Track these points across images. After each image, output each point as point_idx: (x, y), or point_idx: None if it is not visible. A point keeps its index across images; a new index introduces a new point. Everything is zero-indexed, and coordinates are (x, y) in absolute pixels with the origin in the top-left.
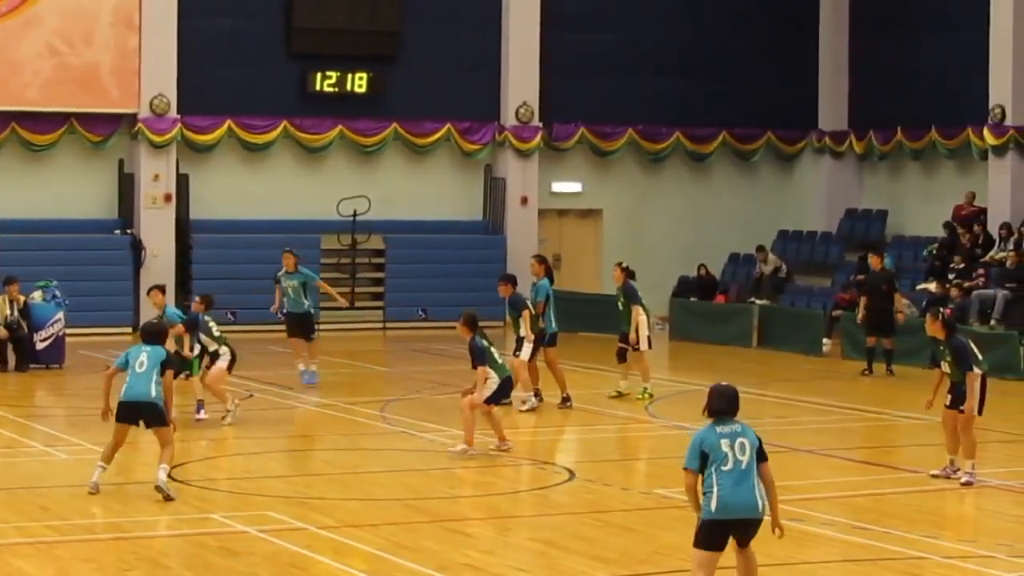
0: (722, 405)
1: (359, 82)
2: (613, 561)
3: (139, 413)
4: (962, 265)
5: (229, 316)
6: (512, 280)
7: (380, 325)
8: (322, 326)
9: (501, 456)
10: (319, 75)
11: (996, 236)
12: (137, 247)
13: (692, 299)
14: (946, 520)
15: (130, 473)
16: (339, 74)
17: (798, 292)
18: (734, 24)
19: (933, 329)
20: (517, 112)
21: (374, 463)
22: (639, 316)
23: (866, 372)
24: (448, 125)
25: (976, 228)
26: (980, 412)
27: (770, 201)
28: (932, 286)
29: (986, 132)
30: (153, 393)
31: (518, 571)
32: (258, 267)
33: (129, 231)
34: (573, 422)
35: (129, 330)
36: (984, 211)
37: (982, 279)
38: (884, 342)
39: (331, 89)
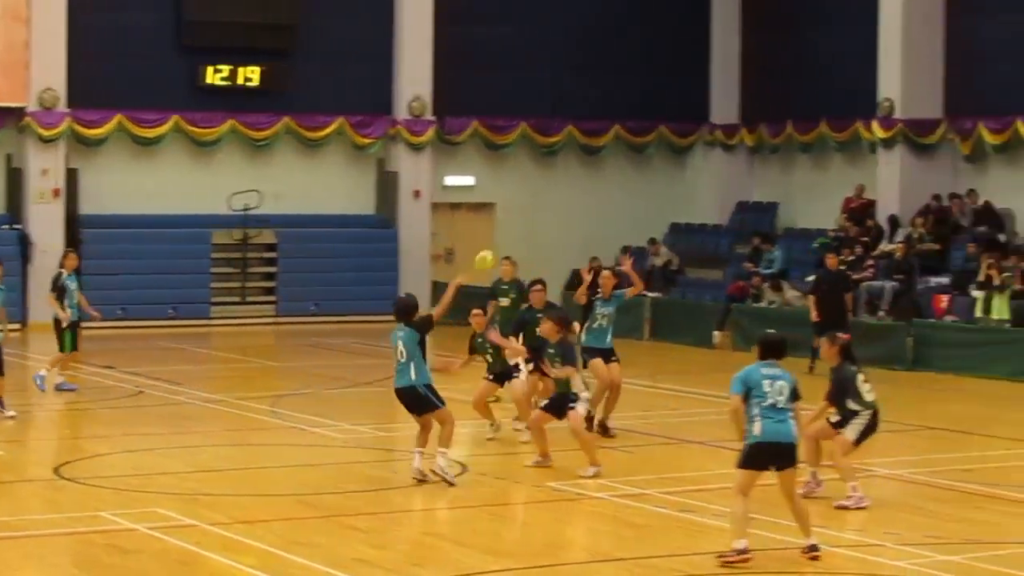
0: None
1: (251, 76)
2: (507, 554)
3: None
4: (852, 257)
5: (119, 312)
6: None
7: (272, 320)
8: (213, 321)
9: (395, 451)
10: (210, 69)
11: (885, 228)
12: (25, 242)
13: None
14: (835, 510)
15: (21, 471)
16: (231, 68)
17: (690, 285)
18: (626, 18)
19: (828, 354)
20: (410, 106)
21: (266, 459)
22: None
23: (812, 370)
24: (340, 119)
25: (867, 222)
26: (856, 443)
27: (662, 194)
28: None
29: (875, 125)
30: None
31: (412, 565)
32: (149, 262)
33: (17, 226)
34: (466, 416)
35: (18, 325)
36: (873, 203)
37: (871, 271)
38: None
39: (223, 83)
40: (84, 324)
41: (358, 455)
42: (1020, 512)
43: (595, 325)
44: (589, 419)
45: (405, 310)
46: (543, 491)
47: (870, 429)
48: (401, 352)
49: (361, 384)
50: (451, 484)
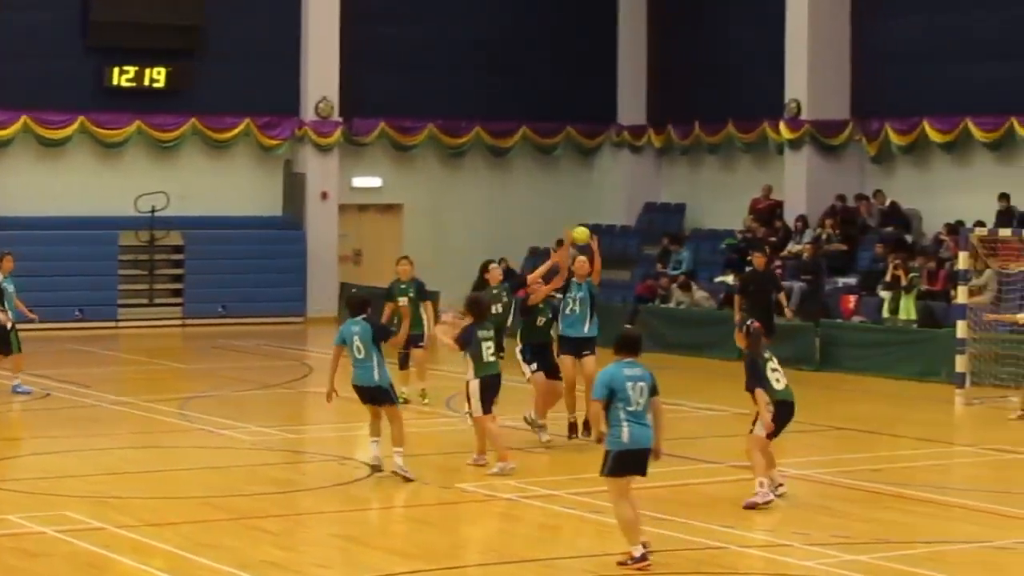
0: (626, 346)
1: (157, 77)
2: (414, 556)
3: None
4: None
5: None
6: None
7: (179, 322)
8: (121, 323)
9: (303, 453)
10: (116, 70)
11: (793, 229)
12: None
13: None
14: (743, 510)
15: None
16: (137, 68)
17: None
18: (534, 19)
19: (739, 340)
20: (317, 107)
21: (174, 461)
22: (431, 312)
23: None
24: (247, 120)
25: (775, 223)
26: (770, 436)
27: (569, 195)
28: (730, 279)
29: (782, 126)
30: None
31: (319, 567)
32: (55, 264)
33: None
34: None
35: None
36: (781, 204)
37: (779, 271)
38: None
39: (129, 84)
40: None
41: (266, 457)
42: (927, 512)
43: (567, 311)
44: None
45: (359, 305)
46: (452, 492)
47: (780, 421)
48: (358, 348)
49: (269, 386)
50: (410, 480)
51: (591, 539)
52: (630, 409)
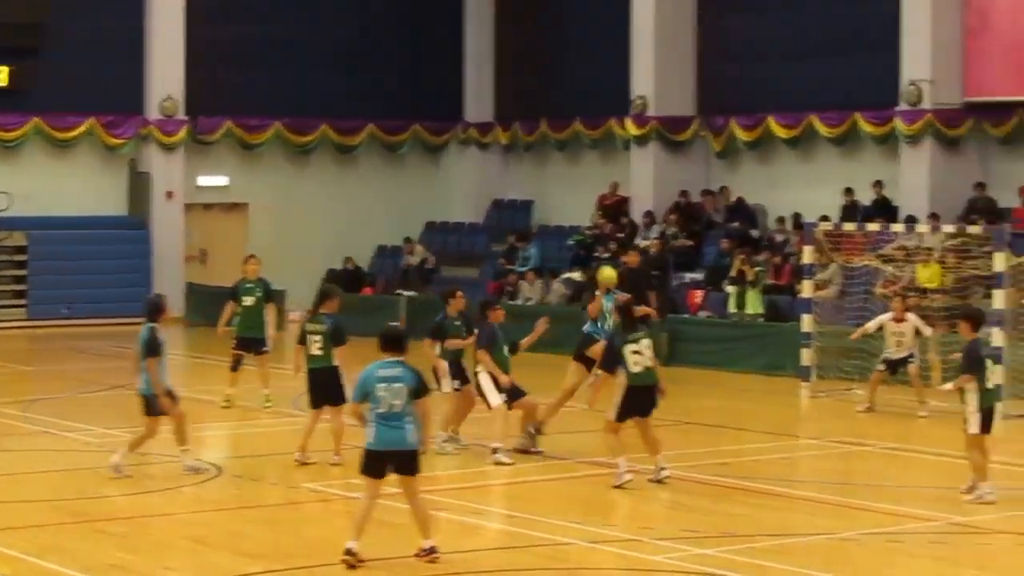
0: (387, 344)
1: None
2: (263, 556)
3: None
4: (607, 254)
5: None
6: None
7: (23, 323)
8: None
9: (148, 455)
10: None
11: (640, 225)
12: None
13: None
14: (592, 506)
15: None
16: None
17: (445, 283)
18: (380, 17)
19: (613, 315)
20: (161, 105)
21: (18, 464)
22: (274, 313)
23: None
24: (91, 119)
25: (622, 219)
26: (620, 418)
27: (417, 193)
28: (577, 275)
29: (628, 122)
30: None
31: (166, 569)
32: None
33: None
34: (221, 418)
35: None
36: (627, 200)
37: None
38: None
39: None
40: None
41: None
42: (774, 505)
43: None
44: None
45: (329, 296)
46: (299, 492)
47: (627, 403)
48: (317, 343)
49: (115, 387)
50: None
51: (439, 536)
52: (380, 411)
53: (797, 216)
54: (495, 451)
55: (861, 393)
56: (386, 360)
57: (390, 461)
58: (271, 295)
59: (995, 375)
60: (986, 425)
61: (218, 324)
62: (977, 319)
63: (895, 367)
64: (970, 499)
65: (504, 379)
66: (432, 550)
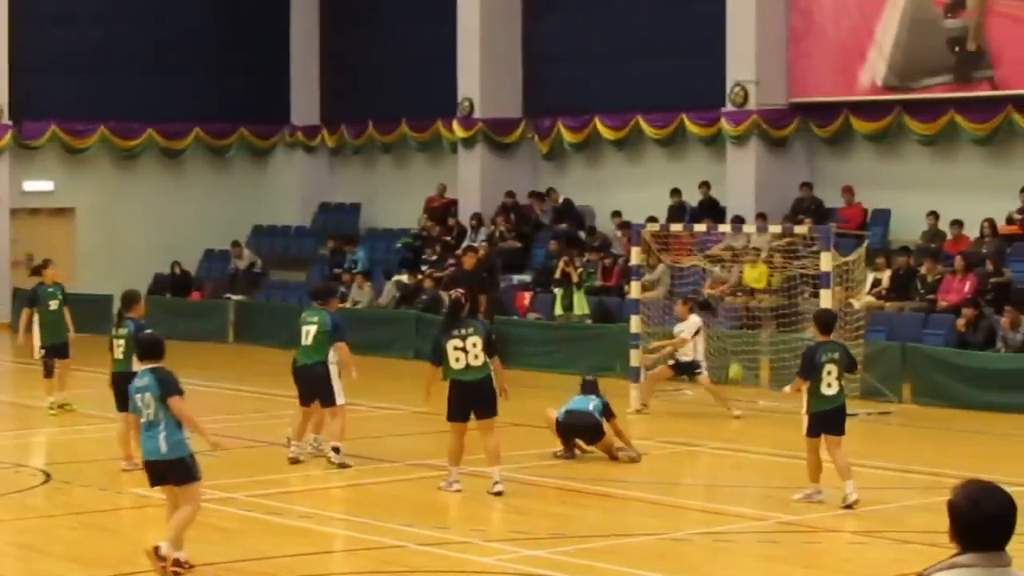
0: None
1: None
2: (92, 562)
3: None
4: (435, 257)
5: None
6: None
7: None
8: None
9: None
10: None
11: (468, 227)
12: None
13: (167, 296)
14: (422, 508)
15: None
16: None
17: (274, 287)
18: (206, 20)
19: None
20: None
21: None
22: (68, 317)
23: None
24: None
25: (450, 221)
26: (452, 417)
27: (244, 196)
28: (405, 277)
29: (455, 125)
30: None
31: None
32: None
33: None
34: (49, 424)
35: None
36: (455, 203)
37: (452, 268)
38: None
39: None
40: None
41: None
42: (605, 506)
43: None
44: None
45: (325, 293)
46: (128, 497)
47: (455, 400)
48: (307, 333)
49: None
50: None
51: (268, 541)
52: (142, 421)
53: (618, 214)
54: (336, 450)
55: (691, 394)
56: (143, 369)
57: (156, 471)
58: (67, 299)
59: (833, 379)
60: (817, 427)
61: (19, 331)
62: (826, 322)
63: (684, 370)
64: (799, 498)
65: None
66: (169, 559)
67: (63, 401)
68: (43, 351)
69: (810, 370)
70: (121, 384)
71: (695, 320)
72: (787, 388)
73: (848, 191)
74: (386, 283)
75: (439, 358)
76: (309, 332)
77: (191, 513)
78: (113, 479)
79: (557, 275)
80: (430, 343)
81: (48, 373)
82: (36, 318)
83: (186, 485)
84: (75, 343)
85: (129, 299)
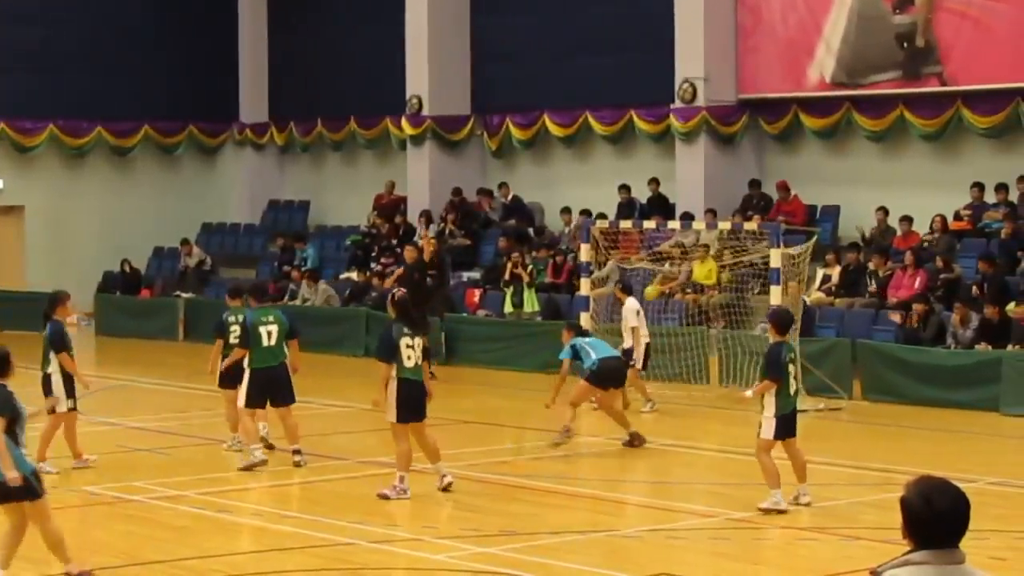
0: None
1: None
2: (41, 560)
3: None
4: (385, 255)
5: None
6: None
7: None
8: None
9: None
10: None
11: (417, 224)
12: None
13: (117, 294)
14: (373, 505)
15: None
16: None
17: (223, 284)
18: (154, 17)
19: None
20: None
21: None
22: None
23: None
24: None
25: (397, 218)
26: (401, 419)
27: (193, 194)
28: (355, 275)
29: (404, 122)
30: None
31: None
32: None
33: None
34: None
35: None
36: (404, 200)
37: (393, 267)
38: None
39: None
40: None
41: None
42: (554, 503)
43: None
44: None
45: (264, 291)
46: (79, 495)
47: (405, 404)
48: (269, 334)
49: None
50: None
51: (220, 538)
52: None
53: (567, 211)
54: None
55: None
56: None
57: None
58: None
59: (794, 379)
60: (783, 430)
61: None
62: (784, 321)
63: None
64: (766, 506)
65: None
66: None
67: None
68: None
69: (778, 371)
70: (44, 385)
71: (632, 302)
72: (749, 392)
73: (784, 187)
74: (321, 285)
75: (392, 357)
76: (271, 333)
77: (52, 529)
78: (64, 477)
79: (507, 275)
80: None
81: None
82: None
83: (32, 502)
84: (23, 341)
85: (53, 300)
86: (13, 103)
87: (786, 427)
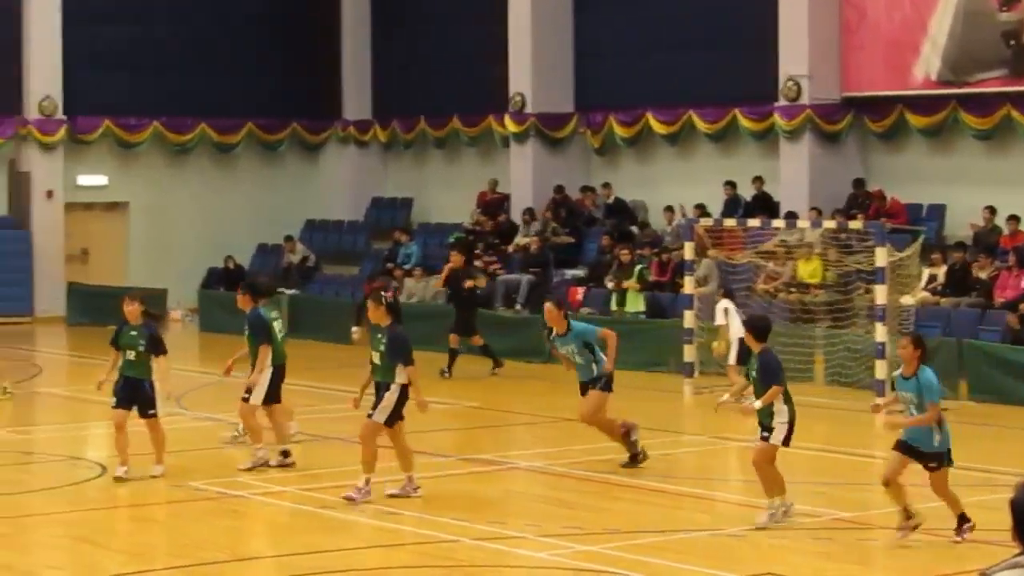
0: None
1: None
2: (145, 555)
3: None
4: (489, 252)
5: None
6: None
7: None
8: None
9: (31, 454)
10: None
11: (520, 222)
12: None
13: (220, 290)
14: (476, 503)
15: None
16: None
17: (327, 281)
18: (258, 15)
19: (376, 316)
20: (40, 105)
21: None
22: None
23: (445, 373)
24: None
25: (502, 216)
26: (390, 423)
27: (297, 191)
28: None
29: (507, 119)
30: None
31: (50, 568)
32: None
33: None
34: (104, 417)
35: None
36: (507, 197)
37: (497, 266)
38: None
39: None
40: None
41: None
42: (654, 501)
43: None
44: None
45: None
46: (184, 491)
47: (401, 404)
48: (279, 329)
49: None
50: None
51: (322, 534)
52: None
53: (669, 210)
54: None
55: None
56: None
57: None
58: None
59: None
60: (791, 436)
61: None
62: (762, 329)
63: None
64: (765, 520)
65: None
66: None
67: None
68: None
69: (781, 375)
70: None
71: (724, 303)
72: (758, 403)
73: (879, 195)
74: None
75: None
76: (279, 329)
77: None
78: (169, 472)
79: (615, 268)
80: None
81: None
82: None
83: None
84: None
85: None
86: (118, 101)
87: (793, 433)
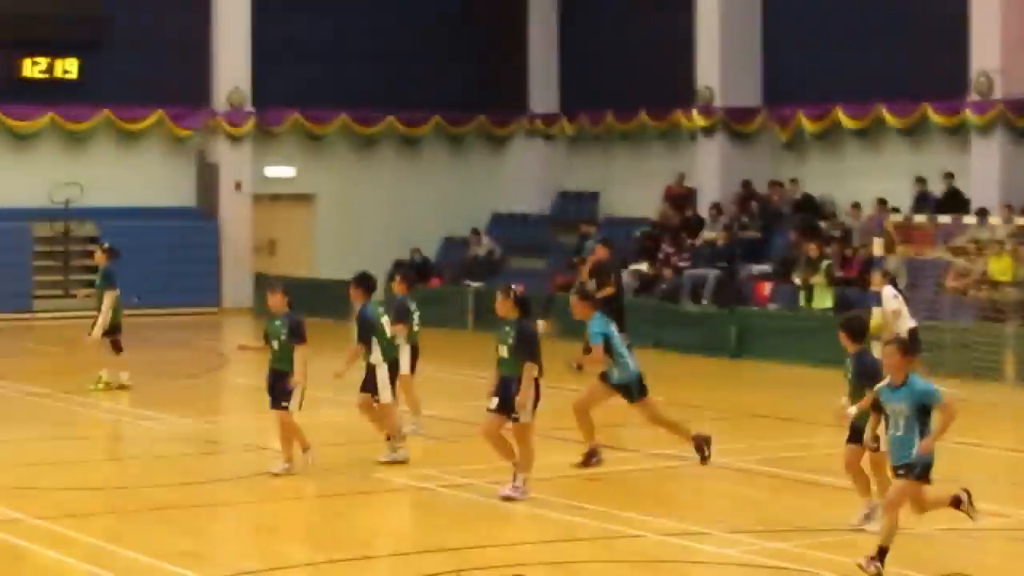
0: None
1: (68, 68)
2: (330, 546)
3: None
4: (673, 248)
5: None
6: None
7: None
8: (39, 313)
9: (218, 443)
10: (29, 61)
11: (707, 216)
12: None
13: None
14: (662, 498)
15: None
16: (48, 60)
17: (513, 274)
18: (446, 8)
19: (503, 309)
20: (228, 97)
21: (91, 452)
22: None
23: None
24: (159, 111)
25: (689, 210)
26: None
27: (483, 184)
28: (644, 266)
29: (695, 114)
30: None
31: (237, 557)
32: None
33: None
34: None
35: None
36: (694, 191)
37: (684, 261)
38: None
39: (41, 75)
40: None
41: (182, 447)
42: (842, 499)
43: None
44: None
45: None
46: (370, 481)
47: (537, 396)
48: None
49: (184, 376)
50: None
51: (507, 527)
52: None
53: (857, 206)
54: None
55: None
56: None
57: None
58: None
59: None
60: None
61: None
62: (858, 329)
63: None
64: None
65: None
66: None
67: (109, 379)
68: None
69: (881, 379)
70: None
71: (890, 289)
72: (853, 408)
73: None
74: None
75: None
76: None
77: None
78: (357, 463)
79: (803, 263)
80: (668, 332)
81: (118, 348)
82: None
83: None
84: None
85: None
86: (306, 92)
87: None
